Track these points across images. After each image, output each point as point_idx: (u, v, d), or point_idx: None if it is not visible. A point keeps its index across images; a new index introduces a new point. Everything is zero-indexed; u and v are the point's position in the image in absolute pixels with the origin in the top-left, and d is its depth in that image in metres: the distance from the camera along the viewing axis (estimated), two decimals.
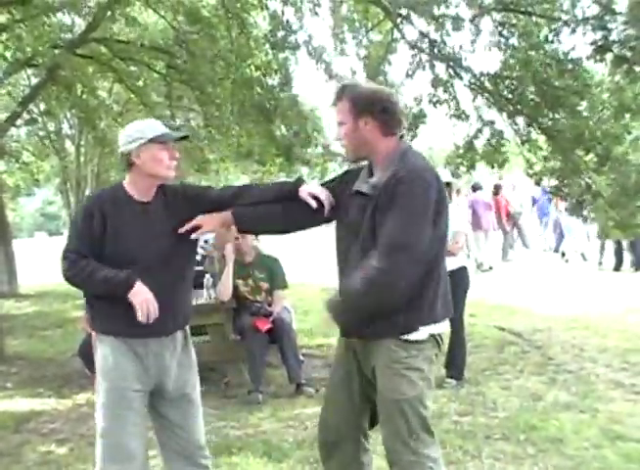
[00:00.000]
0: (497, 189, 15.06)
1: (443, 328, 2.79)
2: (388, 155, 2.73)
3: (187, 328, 3.14)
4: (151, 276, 2.86)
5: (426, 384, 2.69)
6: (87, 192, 21.78)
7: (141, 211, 2.95)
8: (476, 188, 14.21)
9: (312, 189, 2.90)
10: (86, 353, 4.99)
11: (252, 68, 9.01)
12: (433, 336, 2.72)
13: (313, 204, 2.85)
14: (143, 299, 2.80)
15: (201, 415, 3.16)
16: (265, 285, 5.91)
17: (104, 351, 2.94)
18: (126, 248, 2.89)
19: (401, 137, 2.80)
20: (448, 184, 5.90)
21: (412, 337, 2.65)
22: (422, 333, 2.66)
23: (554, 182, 7.33)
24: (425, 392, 2.69)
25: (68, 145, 20.06)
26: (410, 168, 2.62)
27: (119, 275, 2.81)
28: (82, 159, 19.64)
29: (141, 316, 2.77)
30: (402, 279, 2.53)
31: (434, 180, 2.62)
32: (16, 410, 5.44)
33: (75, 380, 6.36)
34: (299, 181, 2.97)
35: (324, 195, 2.87)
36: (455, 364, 5.64)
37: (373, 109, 2.70)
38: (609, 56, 6.10)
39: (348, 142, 2.79)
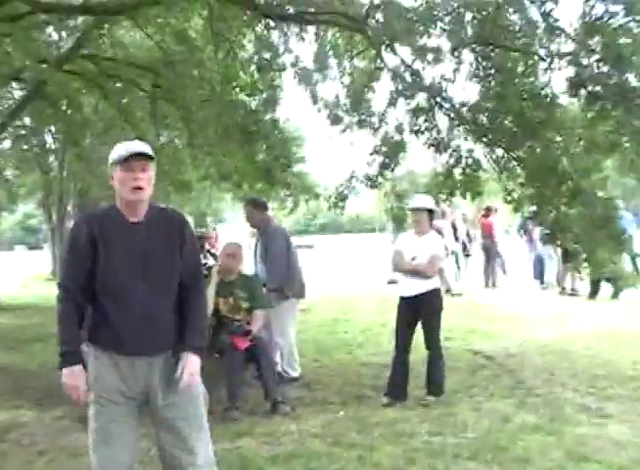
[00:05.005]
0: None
1: None
2: None
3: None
4: (135, 294, 2.97)
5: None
6: (69, 207, 21.68)
7: (130, 230, 3.04)
8: None
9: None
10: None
11: (237, 89, 9.15)
12: None
13: None
14: (69, 386, 2.93)
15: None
16: (245, 304, 5.99)
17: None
18: (114, 267, 2.98)
19: None
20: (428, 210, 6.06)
21: None
22: None
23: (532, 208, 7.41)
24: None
25: (52, 159, 20.10)
26: None
27: (61, 347, 2.95)
28: (65, 174, 19.63)
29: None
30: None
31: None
32: None
33: (56, 392, 6.35)
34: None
35: None
36: (434, 382, 5.90)
37: None
38: (583, 92, 6.29)
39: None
